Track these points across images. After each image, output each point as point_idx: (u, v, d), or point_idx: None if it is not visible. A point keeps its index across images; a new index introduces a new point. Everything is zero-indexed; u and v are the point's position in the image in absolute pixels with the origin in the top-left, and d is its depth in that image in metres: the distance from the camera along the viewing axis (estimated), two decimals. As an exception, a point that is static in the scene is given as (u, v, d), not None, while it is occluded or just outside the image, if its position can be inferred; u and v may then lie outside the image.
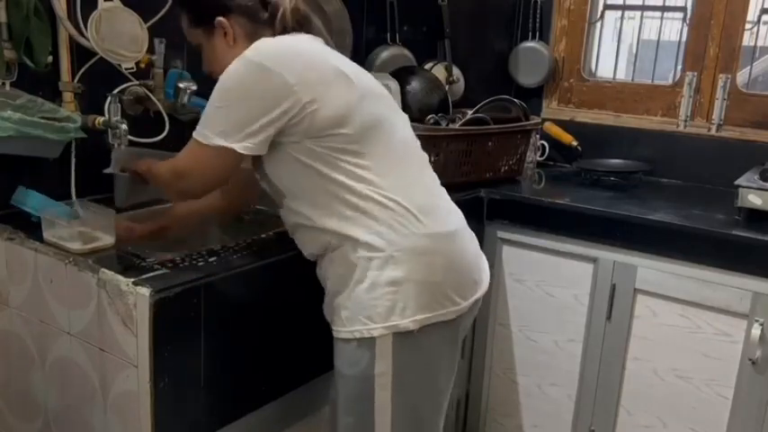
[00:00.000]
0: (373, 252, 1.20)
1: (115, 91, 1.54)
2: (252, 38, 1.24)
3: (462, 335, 1.35)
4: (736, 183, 1.77)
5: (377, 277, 1.20)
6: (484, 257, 1.38)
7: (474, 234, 1.36)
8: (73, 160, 1.51)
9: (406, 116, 1.36)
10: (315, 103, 1.16)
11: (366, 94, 1.24)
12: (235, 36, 1.27)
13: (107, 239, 1.33)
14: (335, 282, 1.26)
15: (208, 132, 1.18)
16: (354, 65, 1.29)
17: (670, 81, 2.35)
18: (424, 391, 1.29)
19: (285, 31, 1.27)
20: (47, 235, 1.32)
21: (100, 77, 1.55)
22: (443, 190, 1.35)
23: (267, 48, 1.19)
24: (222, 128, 1.17)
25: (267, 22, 1.27)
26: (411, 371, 1.25)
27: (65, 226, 1.32)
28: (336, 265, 1.25)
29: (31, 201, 1.40)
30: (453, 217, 1.32)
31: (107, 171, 1.49)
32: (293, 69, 1.16)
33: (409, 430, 1.29)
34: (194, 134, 1.21)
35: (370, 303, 1.21)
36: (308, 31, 1.29)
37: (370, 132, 1.22)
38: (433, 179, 1.34)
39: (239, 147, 1.16)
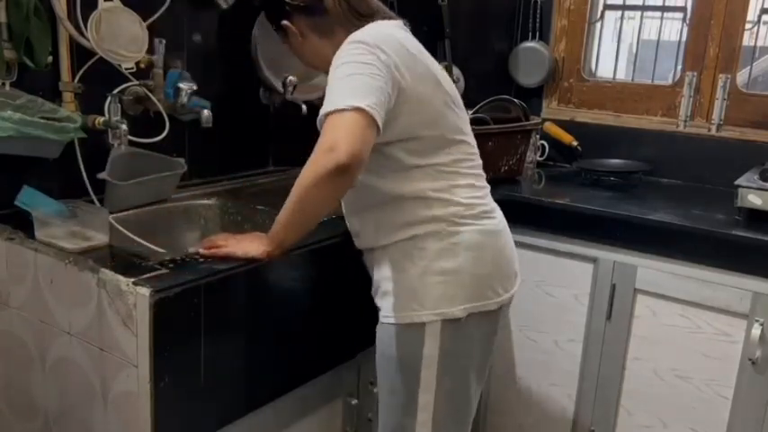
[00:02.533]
0: (429, 242, 1.31)
1: (115, 91, 1.54)
2: (317, 29, 1.37)
3: (501, 324, 1.46)
4: (736, 183, 1.77)
5: (429, 266, 1.31)
6: (516, 252, 1.47)
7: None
8: (80, 159, 1.50)
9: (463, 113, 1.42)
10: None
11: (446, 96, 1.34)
12: (302, 32, 1.39)
13: (101, 239, 1.33)
14: (388, 268, 1.35)
15: (338, 102, 1.17)
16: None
17: (670, 81, 2.35)
18: (464, 375, 1.38)
19: (359, 16, 1.35)
20: (39, 234, 1.32)
21: (100, 77, 1.55)
22: (488, 188, 1.43)
23: (367, 30, 1.28)
24: (350, 94, 1.18)
25: (323, 12, 1.35)
26: (456, 355, 1.34)
27: (58, 225, 1.32)
28: (392, 252, 1.34)
29: (34, 201, 1.40)
30: (498, 214, 1.42)
31: (101, 176, 1.50)
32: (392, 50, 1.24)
33: (448, 410, 1.37)
34: (322, 112, 1.19)
35: (423, 290, 1.31)
36: (381, 17, 1.37)
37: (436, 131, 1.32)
38: (477, 177, 1.40)
39: (369, 109, 1.16)
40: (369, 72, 1.19)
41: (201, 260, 1.28)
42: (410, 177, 1.31)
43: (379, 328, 1.38)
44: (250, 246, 1.30)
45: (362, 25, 1.31)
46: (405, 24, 1.41)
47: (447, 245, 1.31)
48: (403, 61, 1.25)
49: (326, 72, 1.25)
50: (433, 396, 1.34)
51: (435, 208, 1.31)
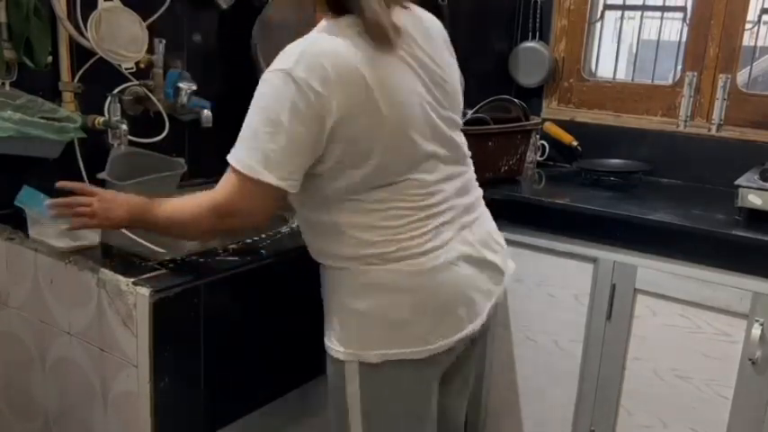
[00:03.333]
0: (344, 278, 1.21)
1: (115, 91, 1.54)
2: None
3: (447, 368, 1.30)
4: (736, 183, 1.77)
5: (348, 303, 1.20)
6: (491, 289, 1.30)
7: (487, 263, 1.29)
8: (80, 159, 1.50)
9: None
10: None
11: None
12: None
13: (92, 238, 1.33)
14: (324, 294, 1.27)
15: (248, 162, 1.14)
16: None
17: (670, 81, 2.35)
18: (395, 421, 1.26)
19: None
20: (32, 232, 1.33)
21: (100, 77, 1.55)
22: (445, 222, 1.23)
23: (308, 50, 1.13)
24: (262, 158, 1.14)
25: None
26: (379, 400, 1.23)
27: (50, 224, 1.32)
28: (325, 280, 1.26)
29: (34, 200, 1.40)
30: (447, 247, 1.21)
31: (101, 176, 1.50)
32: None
33: None
34: (230, 158, 1.15)
35: (340, 327, 1.22)
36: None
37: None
38: (424, 211, 1.21)
39: (278, 183, 1.14)
40: (287, 131, 1.08)
41: (201, 261, 1.28)
42: (329, 208, 1.19)
43: None
44: (113, 216, 1.21)
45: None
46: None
47: (358, 285, 1.19)
48: (341, 95, 1.09)
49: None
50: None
51: (348, 245, 1.18)
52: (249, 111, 1.15)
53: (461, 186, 1.28)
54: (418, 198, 1.19)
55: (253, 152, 1.10)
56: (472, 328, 1.25)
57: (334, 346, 1.22)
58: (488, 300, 1.30)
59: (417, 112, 1.18)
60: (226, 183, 1.13)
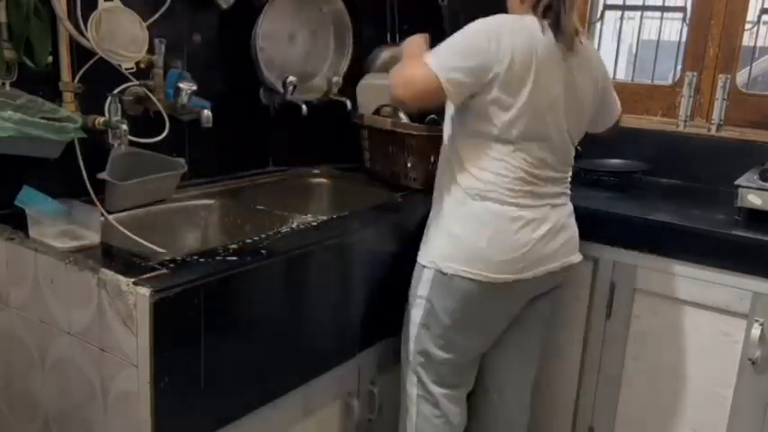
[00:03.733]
0: (454, 205, 1.56)
1: (115, 91, 1.54)
2: None
3: (497, 307, 1.60)
4: (736, 183, 1.77)
5: (441, 223, 1.57)
6: (562, 259, 1.60)
7: (570, 237, 1.63)
8: (80, 159, 1.50)
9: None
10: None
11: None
12: None
13: (92, 238, 1.33)
14: (433, 212, 1.64)
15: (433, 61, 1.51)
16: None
17: (670, 81, 2.35)
18: (447, 331, 1.58)
19: None
20: (32, 232, 1.33)
21: (100, 77, 1.55)
22: (548, 192, 1.57)
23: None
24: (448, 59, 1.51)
25: None
26: (438, 308, 1.57)
27: (50, 224, 1.32)
28: (438, 201, 1.62)
29: (34, 200, 1.40)
30: (541, 210, 1.55)
31: (101, 176, 1.50)
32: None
33: (433, 342, 1.61)
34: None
35: (432, 242, 1.58)
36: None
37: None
38: (532, 176, 1.54)
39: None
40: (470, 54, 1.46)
41: (201, 261, 1.28)
42: (462, 140, 1.56)
43: None
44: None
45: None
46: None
47: (459, 212, 1.54)
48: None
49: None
50: (417, 331, 1.62)
51: (464, 177, 1.54)
52: None
53: (559, 178, 1.61)
54: (526, 165, 1.52)
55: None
56: (526, 275, 1.54)
57: (424, 253, 1.59)
58: (552, 262, 1.58)
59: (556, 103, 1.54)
60: (411, 66, 1.55)
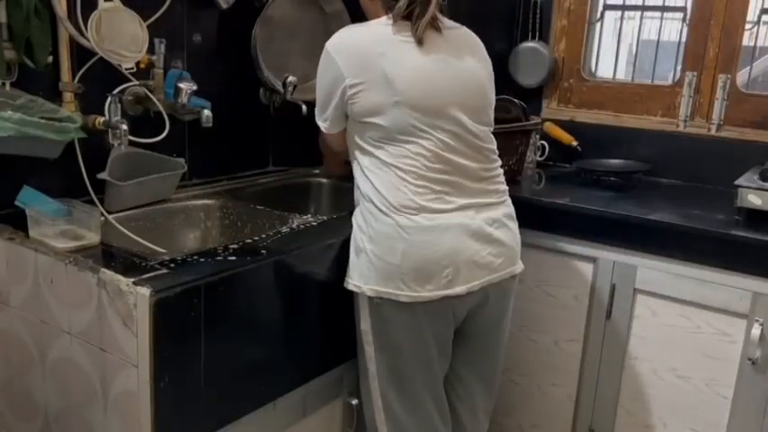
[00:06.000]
0: (363, 219, 1.44)
1: (115, 91, 1.54)
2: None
3: (439, 325, 1.46)
4: (736, 183, 1.77)
5: (362, 240, 1.43)
6: (489, 263, 1.46)
7: (499, 246, 1.48)
8: (80, 159, 1.50)
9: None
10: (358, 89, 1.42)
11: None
12: None
13: (92, 238, 1.33)
14: (352, 229, 1.49)
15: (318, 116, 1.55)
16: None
17: (670, 81, 2.35)
18: (398, 358, 1.45)
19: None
20: (32, 232, 1.33)
21: (100, 77, 1.55)
22: (449, 190, 1.43)
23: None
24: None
25: None
26: (381, 333, 1.44)
27: (50, 224, 1.32)
28: (354, 216, 1.50)
29: (34, 200, 1.40)
30: (457, 217, 1.42)
31: (101, 176, 1.50)
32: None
33: (393, 385, 1.48)
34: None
35: (355, 261, 1.45)
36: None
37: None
38: (429, 174, 1.42)
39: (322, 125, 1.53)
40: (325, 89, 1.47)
41: (201, 261, 1.28)
42: (364, 157, 1.46)
43: None
44: None
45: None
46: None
47: (369, 226, 1.42)
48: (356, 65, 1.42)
49: None
50: (375, 367, 1.48)
51: (367, 187, 1.44)
52: None
53: (478, 172, 1.47)
54: (427, 161, 1.41)
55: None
56: (459, 291, 1.41)
57: (350, 279, 1.46)
58: (484, 272, 1.45)
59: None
60: None
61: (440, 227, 1.39)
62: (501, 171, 1.55)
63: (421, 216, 1.39)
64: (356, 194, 1.50)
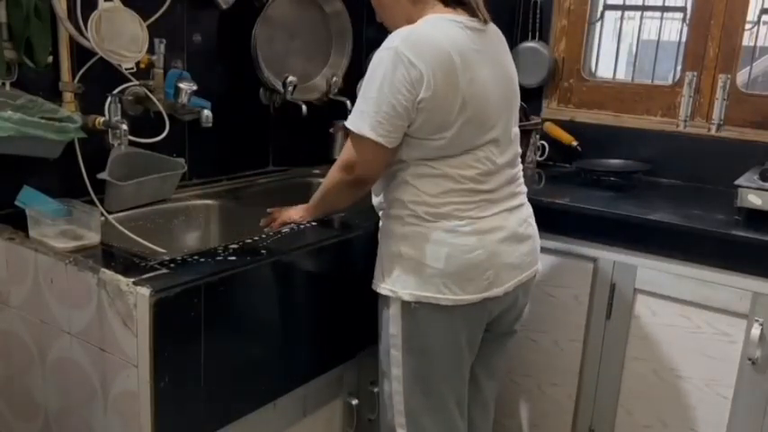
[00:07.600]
0: (402, 226, 1.41)
1: (115, 91, 1.54)
2: None
3: (474, 327, 1.47)
4: (736, 183, 1.77)
5: (393, 245, 1.42)
6: (522, 265, 1.48)
7: (529, 245, 1.50)
8: (80, 159, 1.50)
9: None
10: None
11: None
12: None
13: (92, 238, 1.33)
14: (381, 236, 1.47)
15: (360, 125, 1.36)
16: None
17: (670, 81, 2.35)
18: (427, 361, 1.45)
19: None
20: (32, 232, 1.33)
21: (100, 77, 1.55)
22: (497, 200, 1.44)
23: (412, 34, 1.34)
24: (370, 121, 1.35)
25: None
26: (412, 336, 1.43)
27: (50, 224, 1.32)
28: (383, 220, 1.47)
29: (34, 200, 1.40)
30: (496, 220, 1.43)
31: (101, 176, 1.50)
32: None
33: (418, 387, 1.46)
34: (348, 124, 1.38)
35: (388, 266, 1.43)
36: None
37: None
38: (477, 185, 1.41)
39: (381, 139, 1.35)
40: (390, 95, 1.31)
41: (201, 261, 1.28)
42: (408, 168, 1.41)
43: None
44: (294, 214, 1.57)
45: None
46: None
47: (408, 231, 1.40)
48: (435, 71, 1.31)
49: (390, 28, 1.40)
50: (401, 371, 1.46)
51: (408, 195, 1.40)
52: None
53: (512, 173, 1.49)
54: (478, 173, 1.41)
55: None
56: (497, 292, 1.43)
57: (381, 282, 1.44)
58: (517, 272, 1.47)
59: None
60: (347, 143, 1.40)
61: (480, 230, 1.41)
62: (522, 173, 1.57)
63: (465, 221, 1.39)
64: (385, 201, 1.47)
